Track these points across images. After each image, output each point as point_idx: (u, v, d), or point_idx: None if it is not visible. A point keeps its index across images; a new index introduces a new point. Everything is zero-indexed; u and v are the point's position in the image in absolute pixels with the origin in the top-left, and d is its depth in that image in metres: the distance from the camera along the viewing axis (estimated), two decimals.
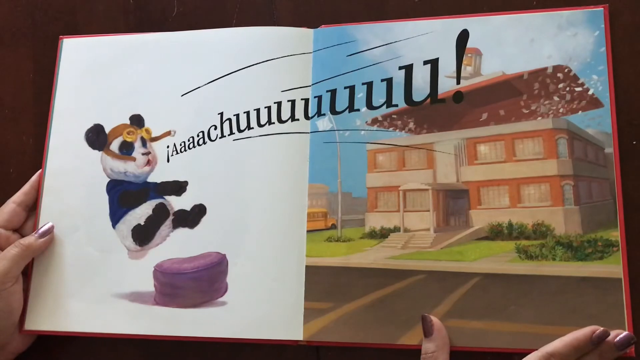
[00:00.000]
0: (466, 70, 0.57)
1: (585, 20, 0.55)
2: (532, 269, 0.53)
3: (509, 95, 0.56)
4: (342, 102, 0.58)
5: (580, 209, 0.53)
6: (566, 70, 0.55)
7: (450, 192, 0.56)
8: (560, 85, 0.55)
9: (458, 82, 0.57)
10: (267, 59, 0.60)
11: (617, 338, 0.49)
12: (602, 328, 0.49)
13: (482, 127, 0.56)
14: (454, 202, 0.56)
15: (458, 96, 0.57)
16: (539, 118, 0.55)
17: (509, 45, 0.57)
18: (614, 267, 0.51)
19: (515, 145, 0.55)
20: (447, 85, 0.57)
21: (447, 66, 0.57)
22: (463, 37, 0.57)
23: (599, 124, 0.54)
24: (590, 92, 0.54)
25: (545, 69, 0.55)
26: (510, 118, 0.56)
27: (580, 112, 0.54)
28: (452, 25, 0.58)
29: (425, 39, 0.58)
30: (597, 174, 0.53)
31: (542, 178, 0.54)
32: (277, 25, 0.64)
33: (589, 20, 0.55)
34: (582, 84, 0.54)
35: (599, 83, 0.54)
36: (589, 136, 0.54)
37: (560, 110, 0.55)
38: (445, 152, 0.56)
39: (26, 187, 0.61)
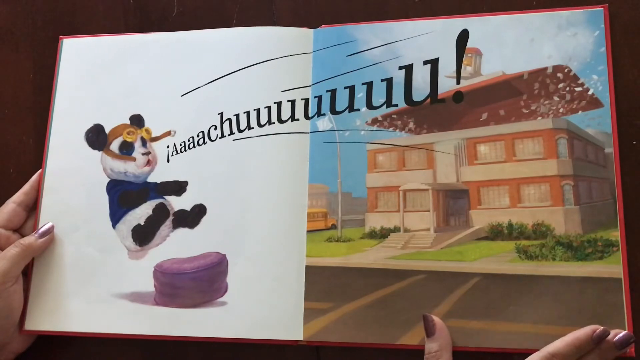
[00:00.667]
0: (466, 70, 0.57)
1: (585, 20, 0.55)
2: (532, 269, 0.53)
3: (509, 95, 0.56)
4: (342, 102, 0.58)
5: (580, 209, 0.53)
6: (566, 70, 0.55)
7: (450, 192, 0.56)
8: (560, 85, 0.55)
9: (458, 82, 0.57)
10: (267, 59, 0.60)
11: (617, 337, 0.49)
12: (602, 327, 0.49)
13: (482, 127, 0.56)
14: (454, 202, 0.56)
15: (458, 96, 0.57)
16: (539, 118, 0.55)
17: (509, 45, 0.56)
18: (614, 267, 0.51)
19: (515, 145, 0.55)
20: (447, 85, 0.57)
21: (447, 66, 0.57)
22: (463, 37, 0.57)
23: (599, 124, 0.54)
24: (590, 92, 0.54)
25: (545, 69, 0.55)
26: (510, 118, 0.55)
27: (580, 112, 0.54)
28: (452, 25, 0.58)
29: (425, 39, 0.58)
30: (597, 174, 0.53)
31: (542, 178, 0.54)
32: (277, 25, 0.64)
33: (588, 20, 0.55)
34: (582, 84, 0.54)
35: (599, 83, 0.54)
36: (589, 136, 0.54)
37: (560, 110, 0.55)
38: (445, 152, 0.56)
39: (26, 187, 0.61)
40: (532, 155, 0.55)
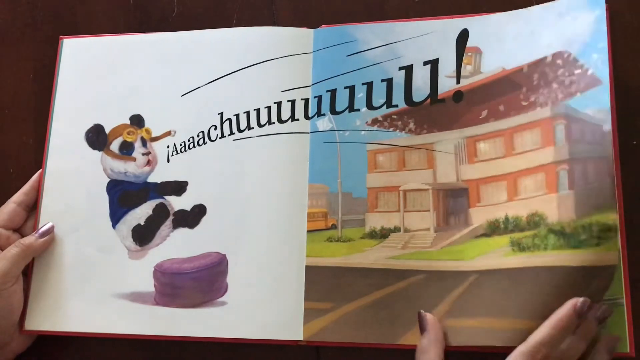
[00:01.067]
0: (466, 69, 0.57)
1: (586, 2, 0.53)
2: (524, 261, 0.51)
3: (508, 90, 0.55)
4: (342, 102, 0.58)
5: (574, 193, 0.51)
6: (566, 55, 0.53)
7: (450, 191, 0.56)
8: (560, 72, 0.53)
9: (458, 82, 0.57)
10: (267, 59, 0.60)
11: (599, 312, 0.48)
12: (582, 298, 0.47)
13: (481, 125, 0.56)
14: (454, 201, 0.56)
15: (458, 95, 0.56)
16: (538, 108, 0.54)
17: (508, 41, 0.56)
18: (610, 255, 0.49)
19: (514, 139, 0.54)
20: (447, 85, 0.57)
21: (447, 66, 0.57)
22: (463, 36, 0.57)
23: (597, 102, 0.51)
24: (589, 72, 0.52)
25: (545, 58, 0.54)
26: (510, 112, 0.55)
27: (579, 94, 0.52)
28: (452, 25, 0.58)
29: (425, 39, 0.58)
30: (594, 154, 0.51)
31: (538, 168, 0.53)
32: (277, 25, 0.64)
33: (589, 2, 0.53)
34: (581, 66, 0.52)
35: (599, 61, 0.52)
36: (588, 117, 0.52)
37: (559, 97, 0.53)
38: (445, 152, 0.56)
39: (26, 187, 0.61)
40: (531, 146, 0.54)
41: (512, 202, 0.53)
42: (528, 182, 0.53)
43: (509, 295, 0.51)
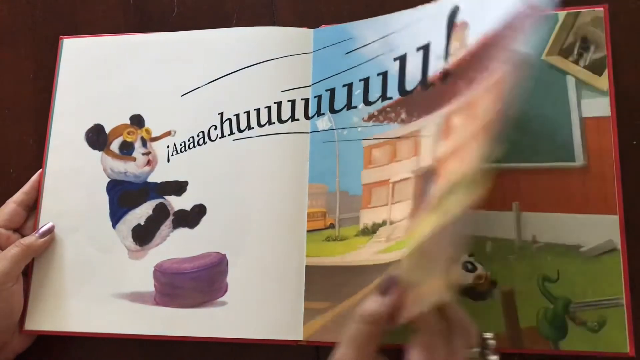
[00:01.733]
0: (454, 46, 0.54)
1: None
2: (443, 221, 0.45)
3: (485, 56, 0.48)
4: (340, 100, 0.58)
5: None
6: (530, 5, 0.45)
7: (425, 174, 0.53)
8: (522, 23, 0.43)
9: (446, 61, 0.54)
10: (267, 59, 0.60)
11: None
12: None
13: (458, 98, 0.50)
14: (427, 184, 0.53)
15: (445, 76, 0.53)
16: (499, 66, 0.45)
17: (492, 6, 0.48)
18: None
19: (478, 105, 0.47)
20: (437, 67, 0.54)
21: (438, 48, 0.54)
22: (453, 14, 0.54)
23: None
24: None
25: (515, 12, 0.45)
26: (481, 77, 0.48)
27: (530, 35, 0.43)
28: (444, 6, 0.54)
29: (418, 25, 0.56)
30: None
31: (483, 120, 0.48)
32: (277, 25, 0.64)
33: None
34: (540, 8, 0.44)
35: None
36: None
37: (518, 47, 0.44)
38: (429, 135, 0.54)
39: (26, 187, 0.61)
40: (487, 105, 0.45)
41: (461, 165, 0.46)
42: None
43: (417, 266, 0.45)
